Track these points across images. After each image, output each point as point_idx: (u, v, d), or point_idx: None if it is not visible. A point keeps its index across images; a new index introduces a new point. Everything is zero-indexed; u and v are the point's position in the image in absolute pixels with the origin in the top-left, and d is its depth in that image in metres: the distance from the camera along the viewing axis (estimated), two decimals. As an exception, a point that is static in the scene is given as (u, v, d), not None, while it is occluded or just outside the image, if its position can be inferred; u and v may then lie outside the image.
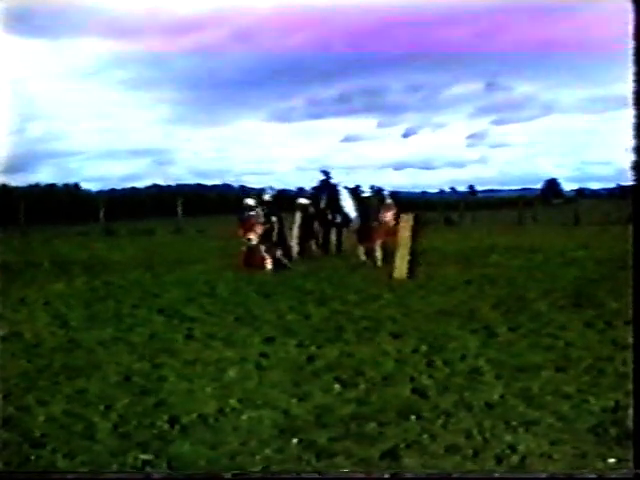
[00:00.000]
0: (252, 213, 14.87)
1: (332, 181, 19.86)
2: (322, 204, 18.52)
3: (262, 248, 14.39)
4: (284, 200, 16.34)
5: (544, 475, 3.83)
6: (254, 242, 14.48)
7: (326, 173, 19.42)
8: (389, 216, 15.42)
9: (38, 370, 6.15)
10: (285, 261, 14.57)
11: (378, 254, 14.82)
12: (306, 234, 17.52)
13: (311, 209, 17.82)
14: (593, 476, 3.80)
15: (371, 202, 16.16)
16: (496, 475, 3.88)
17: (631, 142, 3.70)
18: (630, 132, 3.71)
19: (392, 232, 14.26)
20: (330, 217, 17.78)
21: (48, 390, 5.53)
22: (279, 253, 14.52)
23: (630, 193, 3.75)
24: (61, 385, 5.68)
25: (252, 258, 14.37)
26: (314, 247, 17.60)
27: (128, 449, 4.25)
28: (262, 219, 14.65)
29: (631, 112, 3.70)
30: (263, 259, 14.27)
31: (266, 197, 15.25)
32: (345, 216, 18.37)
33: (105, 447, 4.31)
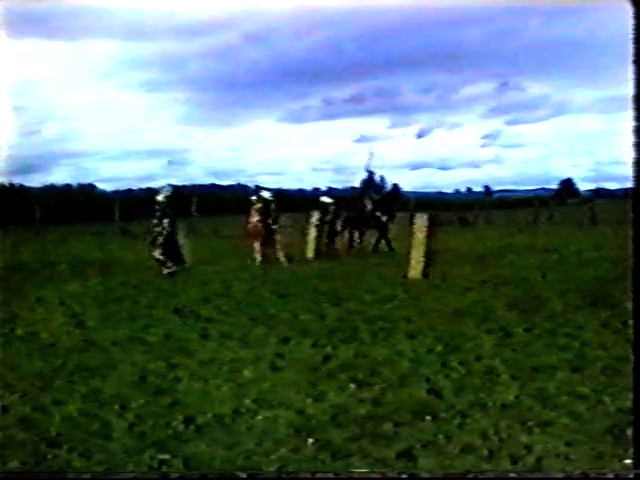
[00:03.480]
0: None
1: (376, 180, 19.92)
2: (369, 203, 18.57)
3: None
4: (180, 200, 15.41)
5: (560, 475, 3.81)
6: None
7: (370, 172, 19.38)
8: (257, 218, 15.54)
9: (54, 370, 6.18)
10: (171, 265, 13.29)
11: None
12: (328, 234, 17.46)
13: (332, 208, 17.76)
14: (593, 476, 3.78)
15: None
16: (512, 475, 3.86)
17: (632, 142, 3.69)
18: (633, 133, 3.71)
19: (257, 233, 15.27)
20: (378, 215, 18.00)
21: (64, 390, 5.57)
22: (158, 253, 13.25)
23: (633, 193, 3.74)
24: (77, 385, 5.71)
25: None
26: (339, 246, 17.64)
27: (144, 449, 4.27)
28: (155, 220, 13.37)
29: (631, 113, 3.70)
30: None
31: (159, 198, 13.44)
32: (391, 215, 18.60)
33: (121, 447, 4.34)
